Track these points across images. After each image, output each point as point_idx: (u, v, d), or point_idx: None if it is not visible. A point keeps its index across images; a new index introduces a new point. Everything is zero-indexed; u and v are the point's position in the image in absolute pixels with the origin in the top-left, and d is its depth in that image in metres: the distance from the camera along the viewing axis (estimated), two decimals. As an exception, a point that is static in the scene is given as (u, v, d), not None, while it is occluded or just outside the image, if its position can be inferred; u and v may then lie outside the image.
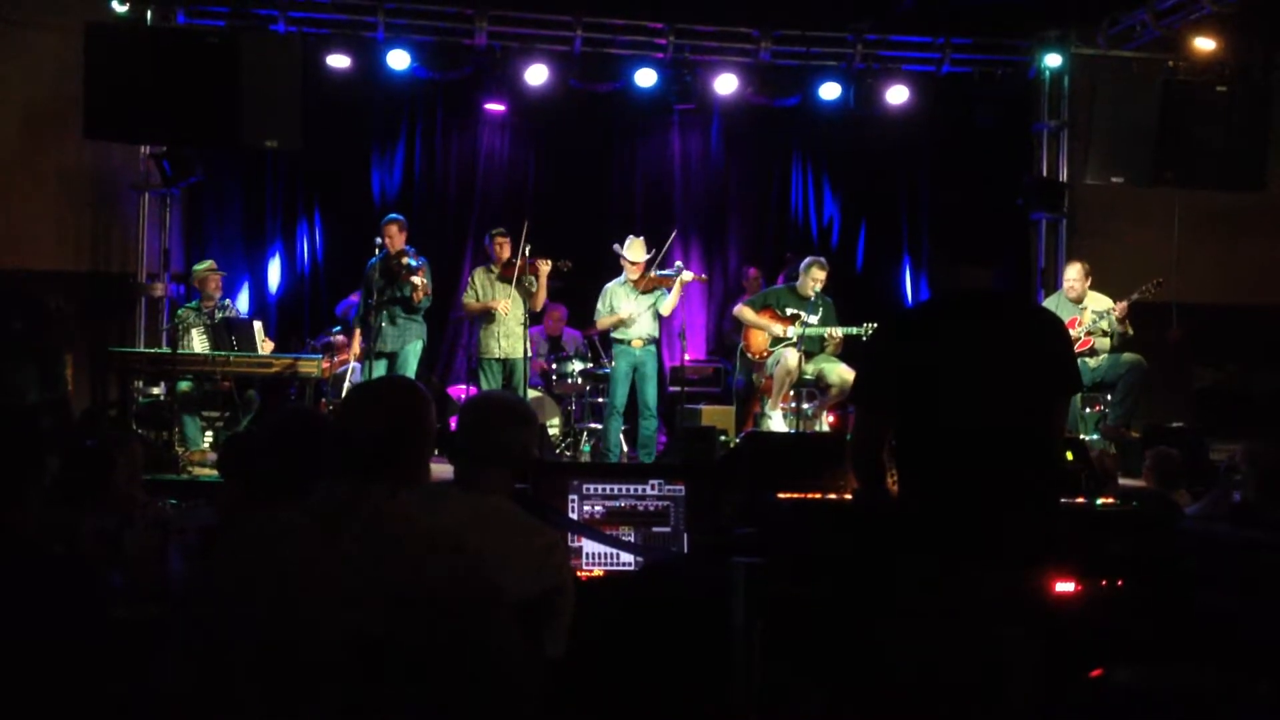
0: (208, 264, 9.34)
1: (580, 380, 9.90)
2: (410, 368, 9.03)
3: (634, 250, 9.16)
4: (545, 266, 9.00)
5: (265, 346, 8.93)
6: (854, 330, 8.93)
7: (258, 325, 9.06)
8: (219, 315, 9.04)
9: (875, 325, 7.95)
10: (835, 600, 3.67)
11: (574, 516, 4.14)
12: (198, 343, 8.81)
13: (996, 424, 3.19)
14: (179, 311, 9.21)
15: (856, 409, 3.44)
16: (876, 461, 3.31)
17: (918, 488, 3.25)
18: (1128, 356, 8.81)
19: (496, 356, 9.11)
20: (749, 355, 9.36)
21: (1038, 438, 3.24)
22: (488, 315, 9.12)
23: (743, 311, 9.40)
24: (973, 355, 3.23)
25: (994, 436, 3.19)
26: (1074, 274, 9.09)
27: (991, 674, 3.13)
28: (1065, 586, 4.03)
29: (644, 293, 9.14)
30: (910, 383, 3.23)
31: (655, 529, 4.22)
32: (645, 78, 10.29)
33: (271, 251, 10.94)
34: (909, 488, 3.27)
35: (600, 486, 4.24)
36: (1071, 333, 8.59)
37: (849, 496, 4.78)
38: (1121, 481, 7.12)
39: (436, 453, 2.84)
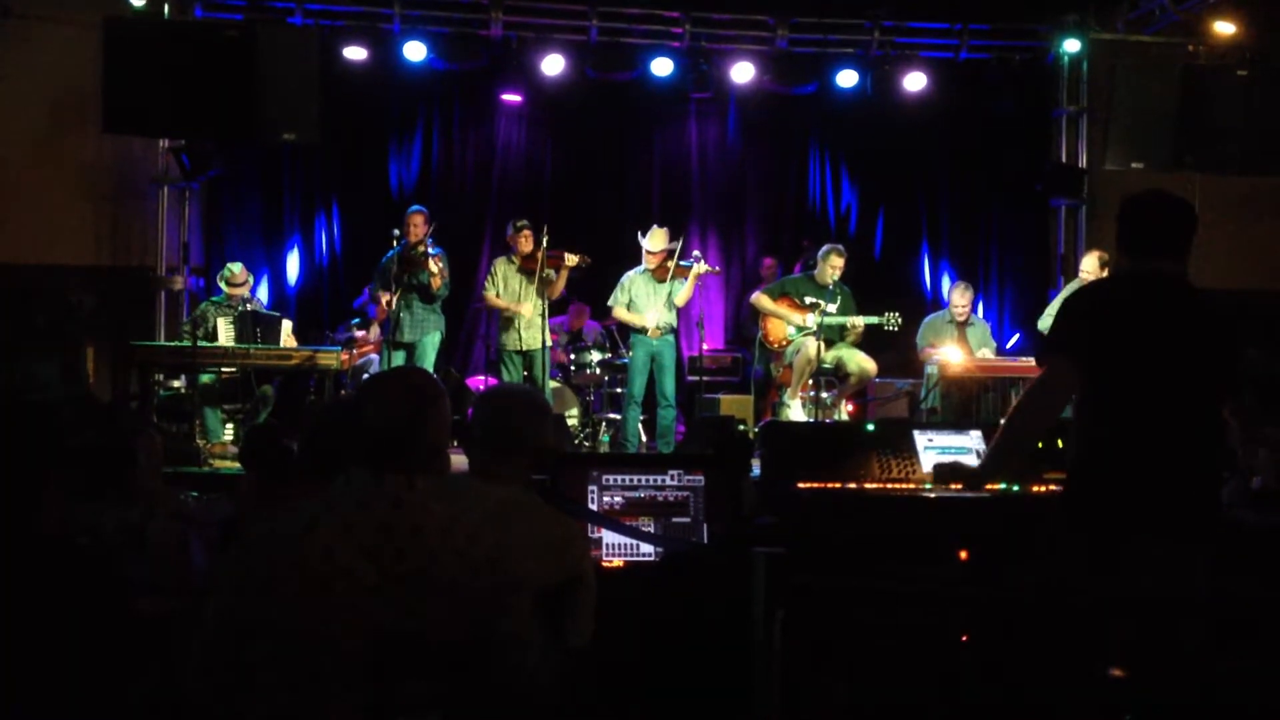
0: (239, 266, 9.29)
1: (599, 371, 9.91)
2: (428, 359, 9.04)
3: (654, 240, 9.13)
4: (572, 261, 9.00)
5: (289, 345, 8.95)
6: (875, 319, 8.91)
7: (286, 324, 9.08)
8: (241, 308, 9.05)
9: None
10: (859, 591, 3.66)
11: (593, 507, 4.14)
12: (223, 334, 8.83)
13: (1182, 410, 3.26)
14: (201, 305, 9.23)
15: (1051, 360, 3.30)
16: (1042, 426, 3.34)
17: (1095, 457, 3.26)
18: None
19: (517, 349, 9.12)
20: (768, 344, 9.34)
21: (1214, 422, 3.33)
22: (508, 311, 9.13)
23: (760, 300, 9.38)
24: (1171, 337, 3.30)
25: (1177, 420, 3.25)
26: (1090, 264, 8.99)
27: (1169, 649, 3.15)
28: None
29: (661, 283, 9.13)
30: (1106, 350, 3.24)
31: (675, 519, 4.22)
32: (662, 67, 10.27)
33: (290, 244, 10.97)
34: (1084, 456, 3.29)
35: (619, 477, 4.24)
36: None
37: (870, 485, 4.77)
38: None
39: (454, 444, 2.85)
